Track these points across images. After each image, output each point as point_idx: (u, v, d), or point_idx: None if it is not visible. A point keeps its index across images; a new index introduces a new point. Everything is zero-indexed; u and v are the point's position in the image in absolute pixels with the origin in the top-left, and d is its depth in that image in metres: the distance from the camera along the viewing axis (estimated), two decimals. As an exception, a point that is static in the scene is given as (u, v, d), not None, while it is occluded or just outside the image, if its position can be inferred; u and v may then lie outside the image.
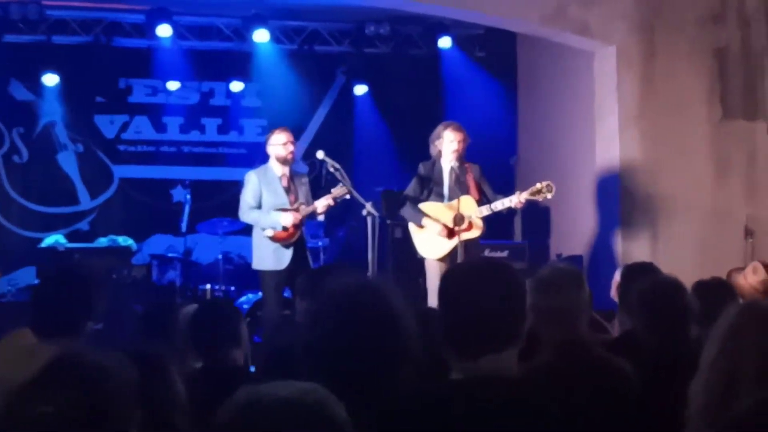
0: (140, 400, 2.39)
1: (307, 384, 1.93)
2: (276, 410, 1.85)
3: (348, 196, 8.53)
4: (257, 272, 8.71)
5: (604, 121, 10.17)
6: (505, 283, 2.81)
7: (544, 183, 8.19)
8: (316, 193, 9.03)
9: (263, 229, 8.52)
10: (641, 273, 5.08)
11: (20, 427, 2.21)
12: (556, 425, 2.63)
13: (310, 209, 8.58)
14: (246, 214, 8.64)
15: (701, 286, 5.08)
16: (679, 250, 9.65)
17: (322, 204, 8.59)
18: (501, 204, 8.20)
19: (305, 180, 8.95)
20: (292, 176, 8.76)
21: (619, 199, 9.93)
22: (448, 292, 2.86)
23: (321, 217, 9.05)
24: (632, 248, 9.69)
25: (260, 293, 9.31)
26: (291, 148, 8.62)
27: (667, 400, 3.38)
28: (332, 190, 8.61)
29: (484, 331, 2.73)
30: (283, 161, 8.61)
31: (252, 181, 8.63)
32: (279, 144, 8.58)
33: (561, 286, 3.92)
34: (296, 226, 8.55)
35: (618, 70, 9.99)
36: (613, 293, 5.79)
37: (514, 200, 8.17)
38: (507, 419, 2.60)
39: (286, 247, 8.52)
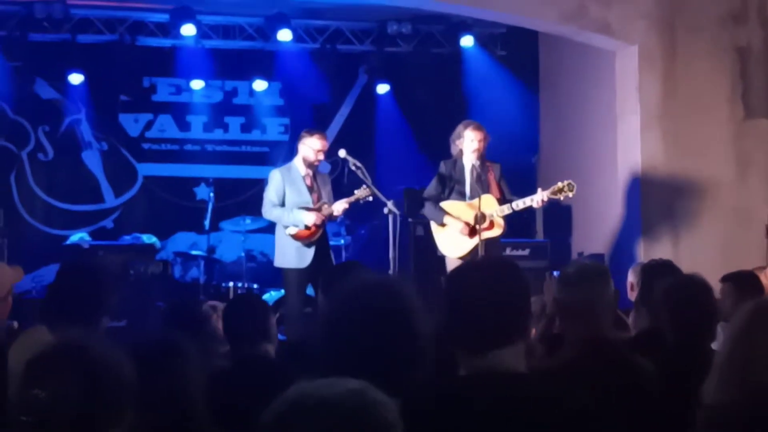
0: (137, 397, 2.42)
1: (357, 383, 1.87)
2: (324, 411, 1.80)
3: (370, 198, 8.59)
4: (280, 270, 8.77)
5: (626, 121, 10.18)
6: (509, 280, 2.83)
7: (566, 182, 8.21)
8: (338, 191, 9.08)
9: (286, 227, 8.58)
10: (661, 271, 5.06)
11: (16, 407, 2.25)
12: (568, 420, 2.65)
13: (329, 211, 8.63)
14: (269, 212, 8.69)
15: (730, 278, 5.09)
16: (700, 249, 9.65)
17: (338, 208, 8.63)
18: (522, 203, 8.23)
19: (328, 179, 9.02)
20: (315, 175, 8.82)
21: (640, 198, 9.94)
22: (453, 290, 2.89)
23: (338, 218, 9.08)
24: (653, 247, 9.70)
25: (282, 291, 9.37)
26: (321, 157, 8.70)
27: (688, 400, 3.39)
28: (355, 192, 8.67)
29: (490, 328, 2.75)
30: (309, 165, 8.68)
31: (276, 179, 8.68)
32: (313, 149, 8.63)
33: (587, 282, 3.86)
34: (318, 225, 8.60)
35: (639, 69, 9.99)
36: (629, 292, 5.78)
37: (536, 199, 8.20)
38: (518, 414, 2.63)
39: (308, 245, 8.57)
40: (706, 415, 2.94)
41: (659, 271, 5.07)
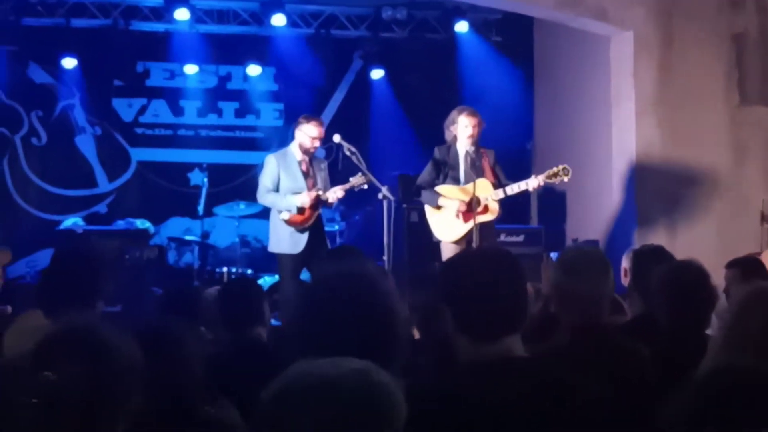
0: (144, 380, 2.42)
1: (361, 363, 1.83)
2: (327, 389, 1.76)
3: (366, 186, 8.58)
4: (274, 255, 8.77)
5: (621, 107, 10.17)
6: (511, 268, 2.88)
7: (561, 166, 8.24)
8: (333, 176, 9.06)
9: (279, 212, 8.57)
10: (654, 257, 5.05)
11: (24, 390, 2.25)
12: (576, 404, 2.67)
13: (324, 197, 8.61)
14: (263, 197, 8.68)
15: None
16: (696, 235, 9.65)
17: (333, 195, 8.61)
18: (517, 187, 8.24)
19: (324, 165, 9.00)
20: (311, 161, 8.81)
21: (635, 184, 9.93)
22: (453, 280, 2.90)
23: (332, 204, 9.06)
24: (648, 234, 9.69)
25: (277, 276, 9.36)
26: (318, 144, 8.68)
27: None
28: (350, 179, 8.66)
29: (501, 315, 2.80)
30: (305, 152, 8.66)
31: (271, 164, 8.67)
32: (309, 135, 8.59)
33: (587, 270, 3.83)
34: (312, 209, 8.58)
35: (635, 55, 9.97)
36: (622, 278, 5.77)
37: (531, 183, 8.21)
38: (526, 398, 2.65)
39: (302, 231, 8.57)
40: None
41: (652, 257, 5.06)
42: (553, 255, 6.62)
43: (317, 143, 8.68)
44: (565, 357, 3.54)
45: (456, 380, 2.74)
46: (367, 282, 2.61)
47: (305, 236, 8.57)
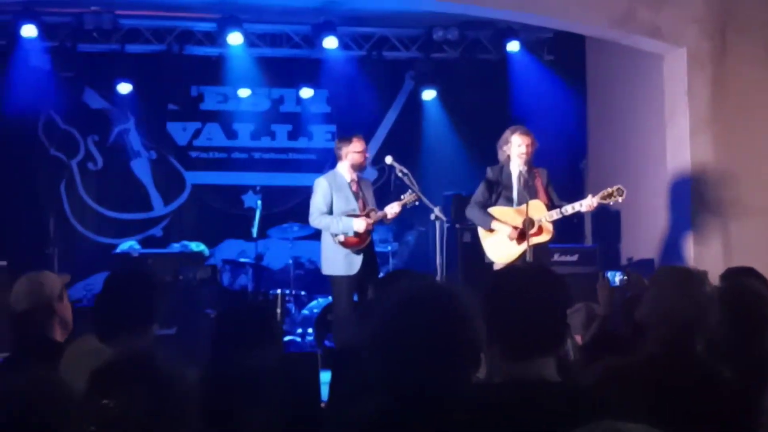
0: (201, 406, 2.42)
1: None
2: None
3: (417, 203, 8.60)
4: (327, 277, 8.79)
5: (675, 124, 10.09)
6: (550, 289, 2.86)
7: (615, 187, 8.18)
8: (386, 197, 9.10)
9: (335, 235, 8.59)
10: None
11: (82, 417, 2.25)
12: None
13: (380, 215, 8.68)
14: (317, 220, 8.71)
15: None
16: (751, 253, 9.51)
17: (391, 211, 8.69)
18: (572, 208, 8.19)
19: (370, 185, 9.09)
20: (360, 181, 8.86)
21: (690, 202, 9.84)
22: (493, 293, 2.90)
23: (389, 222, 9.13)
24: (704, 252, 9.60)
25: (330, 297, 9.38)
26: (368, 155, 8.80)
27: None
28: (402, 197, 8.70)
29: (535, 336, 2.78)
30: (359, 168, 8.73)
31: (322, 187, 8.71)
32: (357, 151, 8.72)
33: (690, 283, 3.83)
34: (367, 232, 8.62)
35: (689, 72, 9.90)
36: None
37: (585, 203, 8.17)
38: (555, 423, 2.62)
39: (357, 252, 8.60)
40: None
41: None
42: (609, 274, 6.55)
43: (367, 154, 8.82)
44: (650, 365, 3.54)
45: (478, 396, 2.70)
46: (456, 299, 2.63)
47: (360, 258, 8.60)
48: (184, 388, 2.38)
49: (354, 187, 8.76)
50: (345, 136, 8.97)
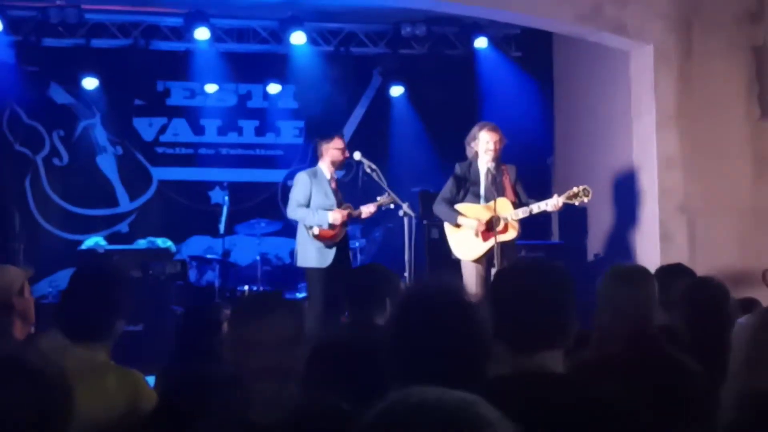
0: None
1: (470, 396, 1.71)
2: (427, 416, 1.63)
3: (392, 206, 8.69)
4: (298, 271, 8.88)
5: (641, 121, 10.13)
6: (556, 283, 2.89)
7: (581, 187, 8.22)
8: (353, 193, 9.15)
9: (310, 228, 8.67)
10: (676, 272, 5.15)
11: None
12: (611, 423, 2.65)
13: (355, 213, 8.79)
14: (294, 211, 8.82)
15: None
16: (717, 249, 9.60)
17: (366, 210, 8.84)
18: (537, 207, 8.23)
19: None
20: (337, 180, 9.05)
21: (656, 199, 9.88)
22: (502, 289, 2.93)
23: (364, 219, 9.24)
24: (670, 248, 9.65)
25: (297, 294, 9.40)
26: (347, 153, 8.84)
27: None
28: (378, 198, 8.84)
29: (543, 329, 2.81)
30: (339, 165, 8.94)
31: (303, 181, 8.82)
32: (338, 148, 8.87)
33: (638, 280, 3.98)
34: (342, 225, 8.71)
35: (655, 69, 9.94)
36: None
37: (551, 204, 8.21)
38: (560, 415, 2.63)
39: (330, 246, 8.67)
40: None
41: (675, 272, 5.15)
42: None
43: (347, 153, 8.90)
44: (616, 365, 3.61)
45: (484, 390, 2.71)
46: (463, 298, 2.66)
47: (332, 251, 8.71)
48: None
49: (333, 185, 8.92)
50: (327, 135, 9.05)
